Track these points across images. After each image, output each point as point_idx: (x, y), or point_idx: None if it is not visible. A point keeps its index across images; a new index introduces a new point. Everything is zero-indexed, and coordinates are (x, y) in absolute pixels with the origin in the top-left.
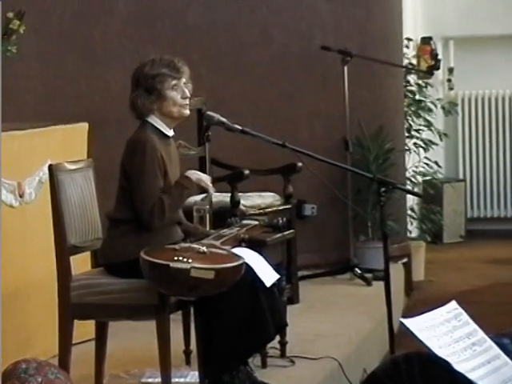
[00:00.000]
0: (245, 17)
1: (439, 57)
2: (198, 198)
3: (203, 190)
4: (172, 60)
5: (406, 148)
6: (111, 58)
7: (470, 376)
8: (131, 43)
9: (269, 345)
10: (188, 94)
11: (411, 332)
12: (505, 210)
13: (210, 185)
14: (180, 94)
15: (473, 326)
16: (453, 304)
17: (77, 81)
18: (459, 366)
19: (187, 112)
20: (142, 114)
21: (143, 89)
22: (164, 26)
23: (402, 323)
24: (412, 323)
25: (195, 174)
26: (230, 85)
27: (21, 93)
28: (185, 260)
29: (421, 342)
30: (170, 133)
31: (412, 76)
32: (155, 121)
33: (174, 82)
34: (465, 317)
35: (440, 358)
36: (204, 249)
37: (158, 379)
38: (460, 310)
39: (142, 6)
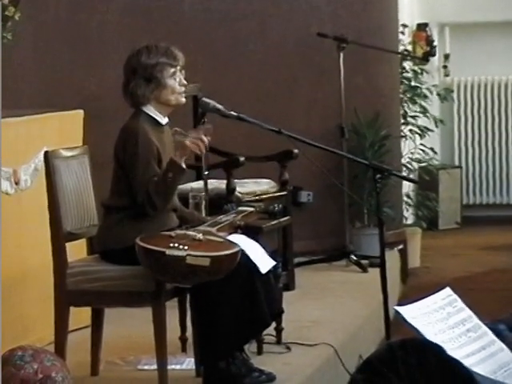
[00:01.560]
0: (242, 6)
1: (435, 43)
2: (194, 184)
3: (197, 155)
4: (168, 47)
5: (402, 134)
6: (108, 48)
7: (466, 362)
8: (128, 32)
9: (265, 331)
10: (185, 82)
11: (405, 320)
12: (500, 197)
13: (196, 144)
14: (178, 81)
15: (467, 312)
16: (447, 290)
17: (73, 70)
18: (454, 353)
19: (183, 100)
20: (139, 103)
21: (142, 78)
22: (161, 16)
23: (396, 311)
24: (406, 311)
25: (177, 151)
26: (227, 74)
27: (16, 82)
28: (180, 247)
29: (415, 329)
30: (164, 121)
31: (408, 62)
32: (150, 109)
33: (172, 69)
34: (459, 303)
35: (436, 344)
36: (200, 236)
37: (154, 366)
38: (454, 296)
39: None
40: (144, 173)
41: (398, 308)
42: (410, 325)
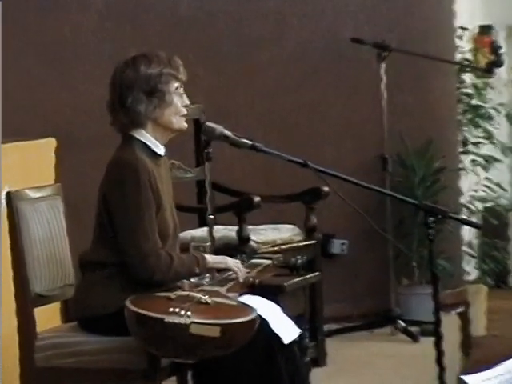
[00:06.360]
0: (253, 5)
1: (502, 50)
2: (197, 232)
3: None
4: (171, 57)
5: (461, 167)
6: (85, 62)
7: None
8: (110, 43)
9: None
10: (187, 102)
11: None
12: None
13: (239, 269)
14: (180, 100)
15: None
16: None
17: (42, 90)
18: None
19: (185, 125)
20: (137, 124)
21: (142, 92)
22: (151, 21)
23: (460, 380)
24: (474, 381)
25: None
26: (235, 91)
27: None
28: (183, 313)
29: None
30: (162, 151)
31: (468, 75)
32: (144, 136)
33: (176, 84)
34: None
35: None
36: (206, 298)
37: None
38: None
39: None
40: (149, 224)
41: (464, 377)
42: None
